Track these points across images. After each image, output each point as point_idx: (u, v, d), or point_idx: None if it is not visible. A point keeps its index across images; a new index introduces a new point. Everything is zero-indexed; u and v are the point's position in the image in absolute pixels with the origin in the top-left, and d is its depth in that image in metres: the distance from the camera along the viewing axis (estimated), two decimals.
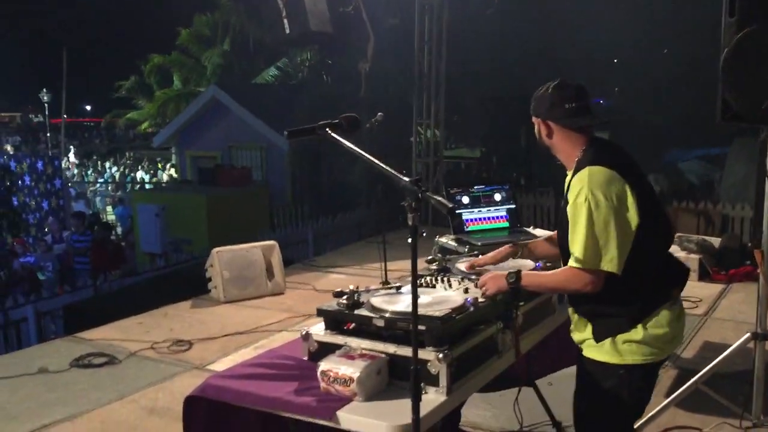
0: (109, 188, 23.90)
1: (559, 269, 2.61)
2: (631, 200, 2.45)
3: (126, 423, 4.15)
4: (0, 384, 4.76)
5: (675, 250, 7.30)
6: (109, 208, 21.23)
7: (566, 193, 2.57)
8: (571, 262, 2.49)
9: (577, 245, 2.46)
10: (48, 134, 36.11)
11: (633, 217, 2.45)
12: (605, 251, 2.42)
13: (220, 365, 4.84)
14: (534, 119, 2.69)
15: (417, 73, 11.04)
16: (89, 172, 29.14)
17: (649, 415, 3.86)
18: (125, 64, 27.22)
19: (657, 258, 2.59)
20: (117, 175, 26.98)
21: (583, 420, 2.72)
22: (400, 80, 13.13)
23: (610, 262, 2.42)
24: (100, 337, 5.68)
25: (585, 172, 2.48)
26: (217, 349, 5.35)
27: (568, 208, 2.51)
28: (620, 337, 2.53)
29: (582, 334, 2.65)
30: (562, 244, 2.66)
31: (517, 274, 2.59)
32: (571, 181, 2.55)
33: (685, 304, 6.50)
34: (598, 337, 2.57)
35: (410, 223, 2.03)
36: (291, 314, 6.13)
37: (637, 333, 2.52)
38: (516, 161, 14.98)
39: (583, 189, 2.45)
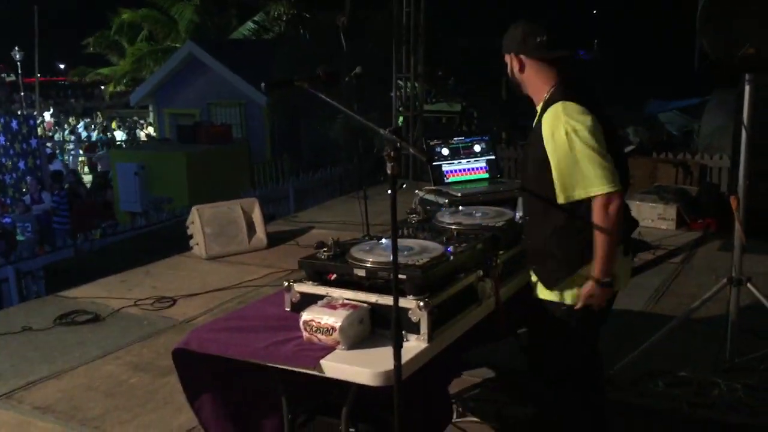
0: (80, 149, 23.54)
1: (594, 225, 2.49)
2: (600, 134, 2.47)
3: (111, 378, 4.18)
4: None
5: (654, 199, 7.40)
6: (86, 168, 20.99)
7: (540, 130, 2.56)
8: (585, 193, 2.45)
9: (580, 177, 2.45)
10: (22, 93, 35.42)
11: (604, 145, 2.48)
12: (602, 170, 2.42)
13: (204, 321, 4.86)
14: (506, 57, 2.71)
15: (396, 26, 10.90)
16: (66, 132, 28.72)
17: (626, 359, 3.96)
18: (98, 20, 26.66)
19: None
20: (93, 135, 26.61)
21: (539, 357, 2.83)
22: (380, 33, 12.98)
23: (610, 181, 2.42)
24: (82, 296, 5.68)
25: (559, 106, 2.50)
26: (200, 305, 5.37)
27: (548, 145, 2.51)
28: (565, 280, 2.62)
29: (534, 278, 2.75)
30: (525, 181, 2.71)
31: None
32: (541, 116, 2.56)
33: (662, 253, 6.58)
34: (548, 284, 2.66)
35: (389, 172, 2.03)
36: (273, 269, 6.15)
37: (578, 276, 2.59)
38: (497, 115, 14.97)
39: (560, 122, 2.47)
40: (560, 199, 2.53)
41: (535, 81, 2.65)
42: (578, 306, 2.61)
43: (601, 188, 2.43)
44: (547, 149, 2.52)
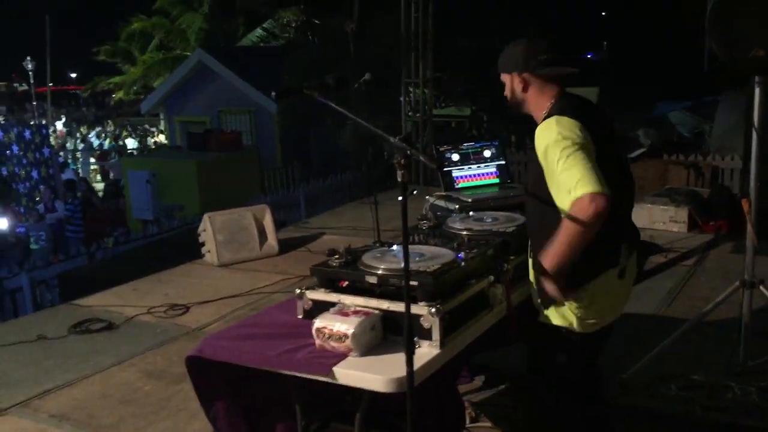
0: (91, 157, 23.65)
1: (563, 222, 2.42)
2: (591, 145, 2.41)
3: (125, 386, 4.21)
4: None
5: (665, 202, 7.38)
6: (99, 177, 21.12)
7: (534, 146, 2.54)
8: (566, 200, 2.37)
9: (562, 182, 2.39)
10: (34, 103, 35.70)
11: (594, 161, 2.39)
12: (591, 174, 2.33)
13: (217, 328, 4.89)
14: (505, 77, 2.67)
15: (404, 31, 10.93)
16: (77, 142, 28.91)
17: (639, 363, 3.96)
18: (110, 29, 26.89)
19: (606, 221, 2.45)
20: (105, 144, 26.78)
21: (539, 361, 2.82)
22: (389, 39, 13.02)
23: (599, 183, 2.32)
24: (96, 304, 5.72)
25: (552, 120, 2.47)
26: (212, 313, 5.40)
27: (540, 156, 2.48)
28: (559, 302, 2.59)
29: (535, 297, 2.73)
30: (528, 189, 2.68)
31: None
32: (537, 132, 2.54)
33: (674, 255, 6.55)
34: (544, 303, 2.64)
35: (399, 179, 2.04)
36: (285, 276, 6.17)
37: (575, 300, 2.56)
38: (506, 119, 14.95)
39: (550, 135, 2.43)
40: (563, 214, 2.43)
41: (537, 99, 2.62)
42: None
43: (585, 189, 2.31)
44: (541, 164, 2.49)
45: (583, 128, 2.43)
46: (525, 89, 2.62)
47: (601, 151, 2.45)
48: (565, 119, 2.45)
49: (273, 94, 2.67)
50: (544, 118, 2.56)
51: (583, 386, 2.76)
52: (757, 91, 3.84)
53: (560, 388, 2.73)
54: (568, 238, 2.40)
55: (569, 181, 2.36)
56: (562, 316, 2.62)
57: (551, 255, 2.48)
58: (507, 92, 2.69)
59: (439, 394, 2.63)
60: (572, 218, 2.35)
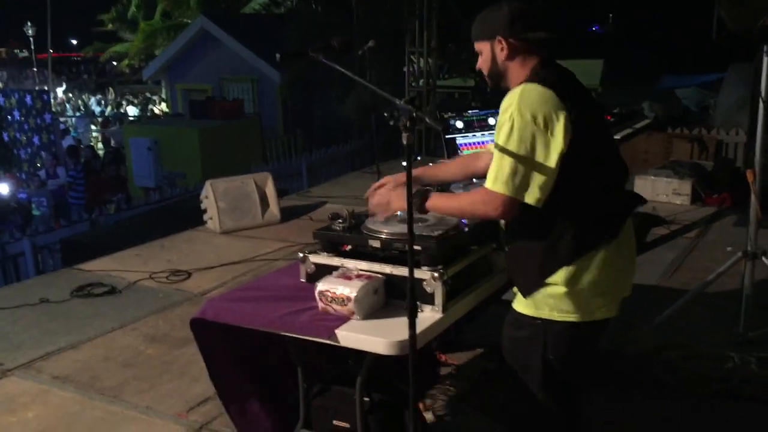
0: (92, 124, 23.57)
1: (471, 191, 2.37)
2: (561, 126, 2.15)
3: (128, 349, 4.24)
4: (1, 314, 4.82)
5: (668, 174, 7.36)
6: (100, 144, 21.06)
7: None
8: (489, 179, 2.22)
9: (492, 165, 2.21)
10: (35, 69, 35.52)
11: (558, 144, 2.15)
12: (518, 176, 2.15)
13: (218, 294, 4.90)
14: (483, 45, 2.38)
15: None
16: (78, 112, 28.79)
17: (640, 333, 3.97)
18: None
19: (590, 196, 2.27)
20: (107, 111, 26.68)
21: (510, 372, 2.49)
22: (392, 7, 12.88)
23: (520, 189, 2.15)
24: (98, 269, 5.74)
25: (518, 89, 2.22)
26: (214, 279, 5.42)
27: (496, 127, 2.25)
28: (539, 288, 2.29)
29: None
30: None
31: (425, 193, 2.39)
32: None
33: (677, 227, 6.54)
34: (525, 291, 2.34)
35: (404, 142, 2.02)
36: (287, 243, 6.18)
37: (556, 281, 2.26)
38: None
39: (511, 106, 2.18)
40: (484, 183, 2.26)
41: (519, 68, 2.33)
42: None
43: (505, 190, 2.16)
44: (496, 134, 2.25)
45: (555, 99, 2.17)
46: (509, 56, 2.33)
47: (584, 121, 2.21)
48: (536, 88, 2.20)
49: (277, 55, 2.64)
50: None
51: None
52: (765, 60, 3.81)
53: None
54: (464, 208, 2.33)
55: (500, 166, 2.18)
56: (535, 303, 2.31)
57: (442, 204, 2.38)
58: (484, 63, 2.40)
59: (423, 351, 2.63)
60: (479, 201, 2.25)
